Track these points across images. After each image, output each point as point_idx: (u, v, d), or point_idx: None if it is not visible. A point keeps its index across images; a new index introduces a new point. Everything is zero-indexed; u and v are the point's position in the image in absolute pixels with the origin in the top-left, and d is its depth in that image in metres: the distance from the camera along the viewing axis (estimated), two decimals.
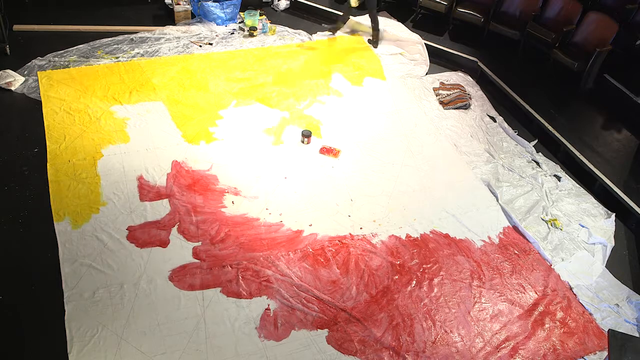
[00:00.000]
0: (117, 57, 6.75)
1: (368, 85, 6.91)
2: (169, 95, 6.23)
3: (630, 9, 6.97)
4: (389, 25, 7.87)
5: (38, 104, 5.87)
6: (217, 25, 7.70)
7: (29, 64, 6.45)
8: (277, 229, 4.89)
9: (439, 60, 7.60)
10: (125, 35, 7.22)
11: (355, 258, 4.71)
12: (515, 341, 4.27)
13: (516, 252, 5.00)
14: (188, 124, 5.87)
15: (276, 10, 8.33)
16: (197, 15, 7.77)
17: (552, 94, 6.83)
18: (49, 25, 7.19)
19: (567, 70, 6.86)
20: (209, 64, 6.83)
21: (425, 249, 4.89)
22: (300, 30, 7.85)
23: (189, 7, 7.69)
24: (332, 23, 8.03)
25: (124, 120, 5.79)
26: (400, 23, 7.98)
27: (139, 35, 7.28)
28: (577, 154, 5.90)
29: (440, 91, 6.91)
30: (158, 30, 7.42)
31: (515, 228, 5.22)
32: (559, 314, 4.51)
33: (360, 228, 5.01)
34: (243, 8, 7.98)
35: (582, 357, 4.24)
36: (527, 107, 6.55)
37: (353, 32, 7.90)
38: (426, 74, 7.32)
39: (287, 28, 7.87)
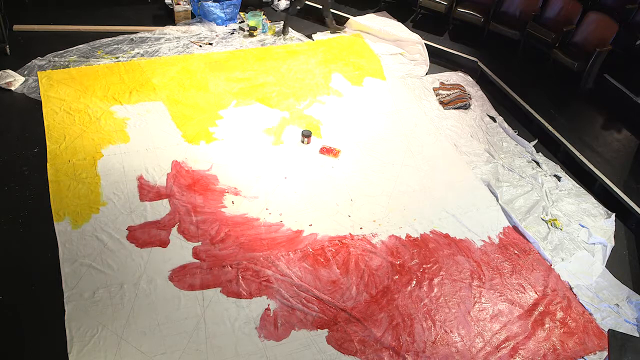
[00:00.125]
0: (117, 57, 6.75)
1: (368, 85, 6.91)
2: (169, 95, 6.23)
3: (630, 9, 6.97)
4: (388, 25, 7.88)
5: (38, 104, 5.87)
6: (217, 25, 7.70)
7: (29, 64, 6.45)
8: (277, 229, 4.89)
9: (439, 60, 7.60)
10: (125, 35, 7.22)
11: (355, 258, 4.71)
12: (515, 341, 4.28)
13: (516, 252, 5.00)
14: (188, 124, 5.87)
15: (276, 10, 8.33)
16: (197, 15, 7.77)
17: (552, 94, 6.83)
18: (49, 25, 7.19)
19: (567, 70, 6.86)
20: (209, 64, 6.83)
21: (425, 249, 4.89)
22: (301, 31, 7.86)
23: (189, 7, 7.69)
24: (334, 22, 8.04)
25: (124, 120, 5.79)
26: (400, 23, 7.98)
27: (139, 35, 7.28)
28: (577, 154, 5.90)
29: (440, 91, 6.91)
30: (158, 30, 7.42)
31: (515, 228, 5.23)
32: (559, 314, 4.51)
33: (360, 228, 5.01)
34: (243, 8, 7.99)
35: (582, 357, 4.24)
36: (527, 107, 6.55)
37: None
38: (426, 74, 7.32)
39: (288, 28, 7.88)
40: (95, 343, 3.86)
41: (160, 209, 4.89)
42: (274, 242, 4.76)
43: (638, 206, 5.31)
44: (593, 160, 5.82)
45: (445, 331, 4.27)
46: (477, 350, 4.18)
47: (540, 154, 6.16)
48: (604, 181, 5.61)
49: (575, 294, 4.67)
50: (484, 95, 7.04)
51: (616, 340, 3.61)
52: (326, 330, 4.15)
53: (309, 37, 7.76)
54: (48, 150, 5.31)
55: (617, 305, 4.62)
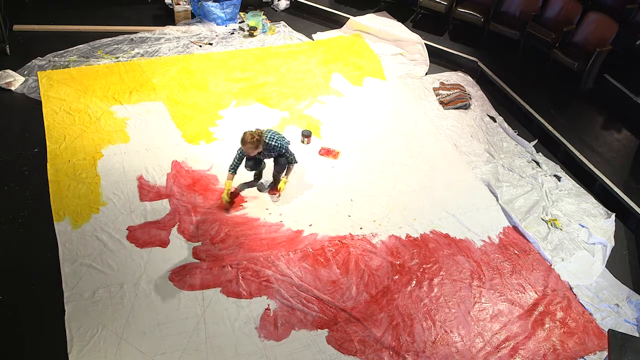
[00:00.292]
0: (117, 57, 6.76)
1: (368, 85, 6.91)
2: (169, 95, 6.23)
3: (630, 9, 6.97)
4: (388, 25, 7.88)
5: (38, 104, 5.88)
6: (217, 25, 7.70)
7: (29, 64, 6.45)
8: (277, 229, 4.89)
9: (439, 60, 7.60)
10: (125, 35, 7.22)
11: (355, 258, 4.71)
12: (515, 341, 4.27)
13: (516, 252, 5.00)
14: (188, 124, 5.87)
15: (276, 10, 8.33)
16: (197, 15, 7.77)
17: (552, 94, 6.83)
18: (49, 25, 7.19)
19: (567, 70, 6.86)
20: (209, 64, 6.83)
21: (425, 249, 4.89)
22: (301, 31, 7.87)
23: (189, 7, 7.69)
24: (334, 22, 8.06)
25: (124, 120, 5.79)
26: (400, 23, 7.98)
27: (139, 35, 7.28)
28: (577, 154, 5.90)
29: (440, 91, 6.91)
30: (158, 30, 7.43)
31: (515, 228, 5.22)
32: (559, 314, 4.51)
33: (360, 228, 5.01)
34: (243, 8, 7.99)
35: (582, 357, 4.24)
36: (527, 107, 6.55)
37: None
38: (426, 74, 7.32)
39: (287, 28, 7.88)
40: (95, 343, 3.86)
41: (160, 209, 4.89)
42: (274, 242, 4.76)
43: (638, 206, 5.31)
44: (593, 160, 5.82)
45: (445, 331, 4.27)
46: (477, 350, 4.18)
47: (540, 154, 6.16)
48: (604, 181, 5.61)
49: (575, 294, 4.67)
50: (484, 95, 7.05)
51: (616, 340, 3.61)
52: (326, 330, 4.15)
53: (309, 37, 7.76)
54: (48, 150, 5.31)
55: (617, 305, 4.62)
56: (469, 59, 7.44)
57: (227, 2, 7.68)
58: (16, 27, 7.02)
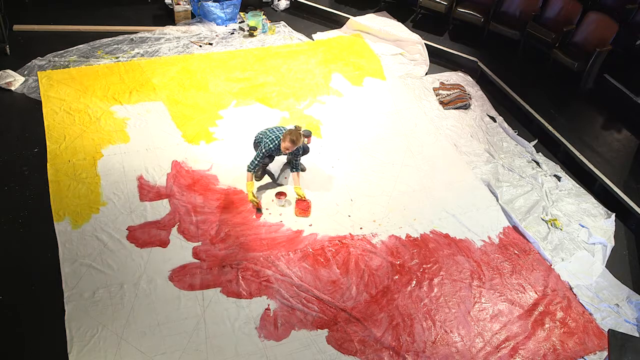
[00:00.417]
0: (117, 57, 6.76)
1: (368, 85, 6.91)
2: (169, 95, 6.23)
3: (630, 9, 6.97)
4: (388, 25, 7.88)
5: (38, 104, 5.88)
6: (217, 25, 7.70)
7: (29, 64, 6.45)
8: (277, 229, 4.89)
9: (439, 60, 7.60)
10: (125, 35, 7.23)
11: (355, 258, 4.71)
12: (515, 341, 4.27)
13: (516, 252, 5.00)
14: (188, 124, 5.87)
15: (276, 10, 8.33)
16: (197, 15, 7.77)
17: (552, 94, 6.83)
18: (49, 25, 7.20)
19: (567, 70, 6.86)
20: (209, 64, 6.83)
21: (425, 249, 4.89)
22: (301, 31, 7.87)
23: (189, 7, 7.69)
24: (334, 22, 8.06)
25: (124, 120, 5.79)
26: (400, 23, 7.98)
27: (139, 35, 7.28)
28: (577, 154, 5.90)
29: (440, 91, 6.91)
30: (158, 30, 7.43)
31: (515, 228, 5.22)
32: (559, 314, 4.51)
33: (360, 228, 5.01)
34: (243, 8, 7.99)
35: (582, 357, 4.24)
36: (527, 107, 6.55)
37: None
38: (426, 74, 7.32)
39: (287, 28, 7.89)
40: (95, 343, 3.86)
41: (160, 209, 4.89)
42: (274, 242, 4.76)
43: (638, 206, 5.31)
44: (593, 160, 5.82)
45: (445, 331, 4.27)
46: (477, 350, 4.18)
47: (540, 154, 6.16)
48: (604, 181, 5.61)
49: (575, 294, 4.67)
50: (484, 95, 7.04)
51: (616, 340, 3.61)
52: (326, 330, 4.15)
53: (309, 37, 7.76)
54: (48, 150, 5.31)
55: (617, 305, 4.61)
56: (469, 59, 7.44)
57: (227, 2, 7.68)
58: (16, 27, 7.02)
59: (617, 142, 6.20)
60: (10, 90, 6.03)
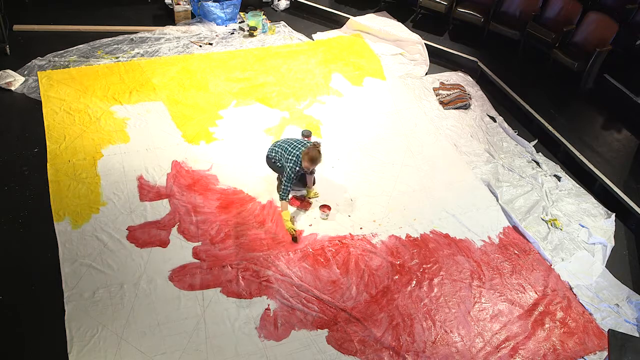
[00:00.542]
0: (117, 57, 6.76)
1: (368, 85, 6.91)
2: (169, 95, 6.23)
3: (630, 9, 6.97)
4: (388, 25, 7.88)
5: (38, 104, 5.88)
6: (217, 25, 7.70)
7: (29, 64, 6.45)
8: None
9: (439, 60, 7.61)
10: (125, 35, 7.22)
11: (355, 258, 4.71)
12: (515, 341, 4.27)
13: (516, 252, 5.00)
14: (188, 124, 5.87)
15: (276, 10, 8.33)
16: (197, 15, 7.77)
17: (552, 94, 6.83)
18: (49, 25, 7.20)
19: (567, 70, 6.86)
20: (209, 64, 6.83)
21: (425, 249, 4.89)
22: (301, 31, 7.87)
23: (189, 7, 7.69)
24: (334, 22, 8.06)
25: (124, 120, 5.79)
26: (400, 23, 7.98)
27: (139, 35, 7.28)
28: (577, 154, 5.90)
29: (440, 91, 6.91)
30: (158, 30, 7.43)
31: (515, 228, 5.22)
32: (559, 314, 4.51)
33: (360, 228, 5.01)
34: (243, 8, 7.99)
35: (582, 357, 4.24)
36: (527, 107, 6.55)
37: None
38: (426, 74, 7.32)
39: (287, 28, 7.89)
40: (95, 343, 3.86)
41: (160, 209, 4.89)
42: (274, 242, 4.76)
43: (638, 206, 5.31)
44: (593, 160, 5.82)
45: (445, 331, 4.27)
46: (477, 350, 4.18)
47: (540, 154, 6.16)
48: (604, 181, 5.61)
49: (575, 294, 4.67)
50: (484, 95, 7.05)
51: (616, 340, 3.61)
52: (326, 330, 4.15)
53: (309, 37, 7.76)
54: (48, 150, 5.31)
55: (617, 305, 4.61)
56: (469, 59, 7.44)
57: (227, 2, 7.68)
58: (16, 27, 7.02)
59: (617, 142, 6.20)
60: (10, 90, 6.03)
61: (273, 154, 4.89)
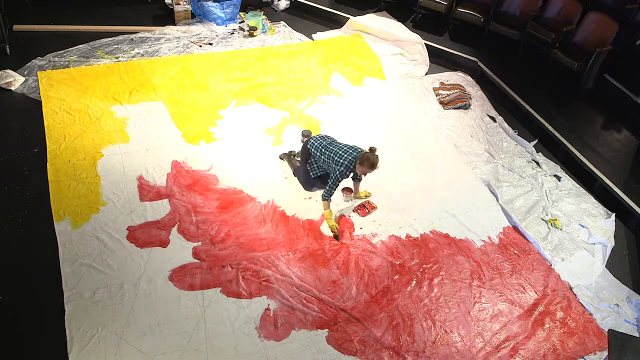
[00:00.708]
0: (117, 57, 6.76)
1: (368, 85, 6.91)
2: (169, 95, 6.23)
3: (630, 9, 6.97)
4: (388, 25, 7.88)
5: (38, 104, 5.88)
6: (217, 25, 7.70)
7: (29, 64, 6.45)
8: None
9: (439, 60, 7.60)
10: (125, 35, 7.23)
11: (355, 258, 4.71)
12: (515, 341, 4.27)
13: (516, 252, 5.00)
14: (188, 124, 5.87)
15: (276, 10, 8.33)
16: (197, 15, 7.77)
17: (552, 94, 6.83)
18: (49, 25, 7.20)
19: (567, 70, 6.86)
20: (209, 64, 6.83)
21: (425, 249, 4.89)
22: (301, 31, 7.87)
23: (189, 7, 7.69)
24: (334, 22, 8.07)
25: (124, 120, 5.79)
26: (400, 23, 7.98)
27: (139, 35, 7.28)
28: (577, 154, 5.90)
29: (440, 91, 6.91)
30: (158, 30, 7.43)
31: (515, 228, 5.22)
32: (559, 314, 4.51)
33: (360, 228, 5.01)
34: (243, 8, 7.99)
35: (582, 357, 4.24)
36: (527, 107, 6.55)
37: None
38: (426, 74, 7.32)
39: (287, 28, 7.89)
40: (95, 343, 3.86)
41: (160, 209, 4.89)
42: (274, 242, 4.76)
43: (638, 206, 5.31)
44: (593, 160, 5.82)
45: (445, 331, 4.27)
46: (477, 350, 4.18)
47: (540, 154, 6.16)
48: (604, 181, 5.61)
49: (575, 294, 4.67)
50: (484, 95, 7.05)
51: (616, 340, 3.61)
52: (326, 330, 4.15)
53: (309, 37, 7.76)
54: (48, 150, 5.31)
55: (617, 305, 4.61)
56: (469, 59, 7.44)
57: (227, 2, 7.68)
58: (16, 27, 7.02)
59: (617, 142, 6.20)
60: (10, 90, 6.03)
61: (314, 150, 4.96)
